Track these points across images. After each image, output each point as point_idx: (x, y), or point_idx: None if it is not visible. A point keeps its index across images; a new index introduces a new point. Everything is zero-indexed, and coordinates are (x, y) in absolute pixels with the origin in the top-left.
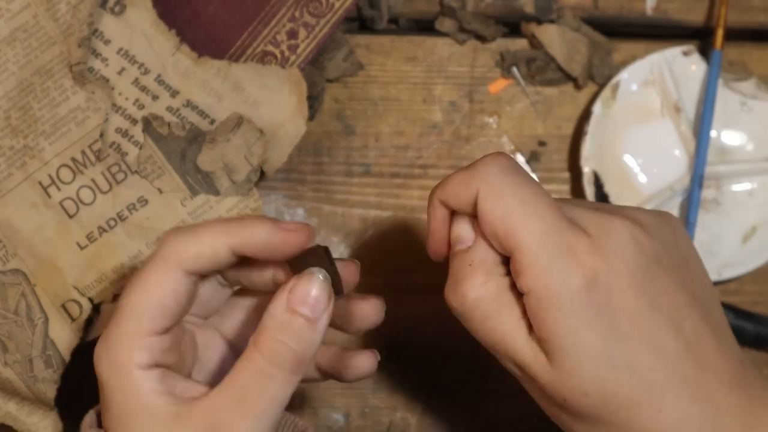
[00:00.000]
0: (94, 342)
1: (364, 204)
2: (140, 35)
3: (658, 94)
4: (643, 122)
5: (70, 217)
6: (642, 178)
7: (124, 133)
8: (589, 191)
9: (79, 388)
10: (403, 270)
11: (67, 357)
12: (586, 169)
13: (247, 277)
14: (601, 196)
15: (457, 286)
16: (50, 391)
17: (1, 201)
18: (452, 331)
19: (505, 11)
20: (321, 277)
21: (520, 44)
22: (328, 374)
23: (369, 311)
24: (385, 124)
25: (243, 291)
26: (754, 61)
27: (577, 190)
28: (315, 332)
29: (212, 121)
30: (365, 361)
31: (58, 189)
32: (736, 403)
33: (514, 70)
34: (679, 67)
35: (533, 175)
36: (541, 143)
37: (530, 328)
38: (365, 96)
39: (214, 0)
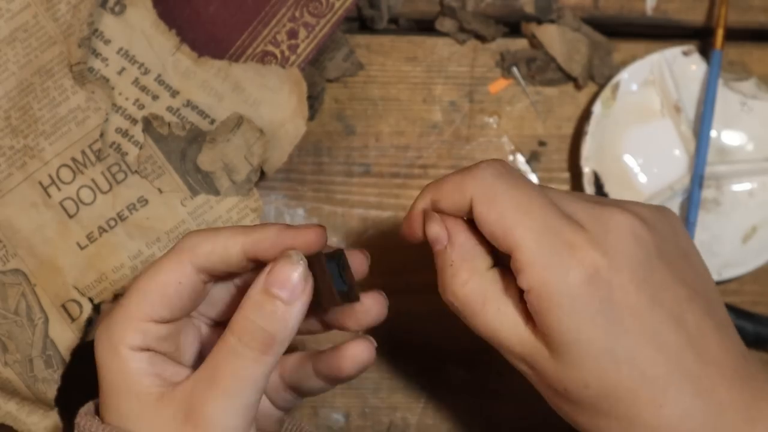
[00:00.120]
0: (94, 342)
1: (364, 204)
2: (140, 35)
3: (658, 94)
4: (643, 122)
5: (70, 217)
6: (642, 178)
7: (124, 133)
8: (589, 191)
9: (79, 388)
10: (403, 270)
11: (67, 357)
12: (586, 169)
13: None
14: (601, 196)
15: (445, 286)
16: (50, 391)
17: (1, 201)
18: (452, 331)
19: (505, 11)
20: (298, 260)
21: (520, 44)
22: (328, 378)
23: (370, 306)
24: (385, 124)
25: None
26: (754, 61)
27: (577, 190)
28: (288, 314)
29: (212, 121)
30: (361, 349)
31: (58, 189)
32: (738, 397)
33: (514, 70)
34: (679, 67)
35: (533, 176)
36: (541, 143)
37: (527, 318)
38: (365, 96)
39: (214, 0)
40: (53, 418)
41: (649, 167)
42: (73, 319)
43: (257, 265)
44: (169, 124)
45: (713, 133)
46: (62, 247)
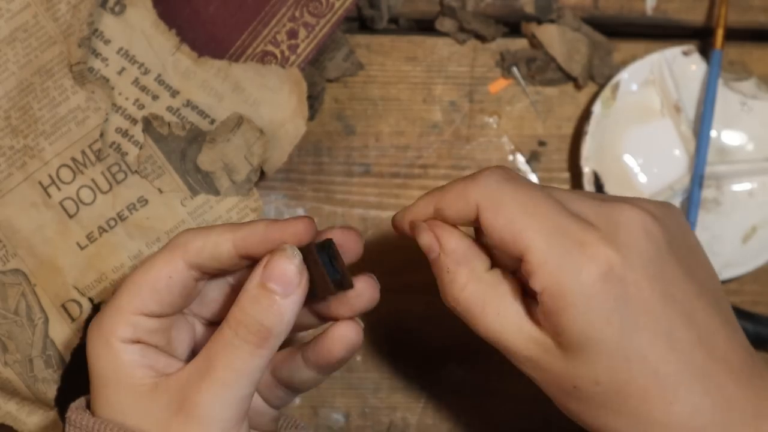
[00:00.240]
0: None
1: (364, 204)
2: (140, 35)
3: (658, 94)
4: (643, 122)
5: (70, 217)
6: (642, 178)
7: (124, 133)
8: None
9: (79, 388)
10: (403, 270)
11: (67, 357)
12: (586, 169)
13: None
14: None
15: (445, 292)
16: (50, 391)
17: (1, 201)
18: (452, 331)
19: (505, 11)
20: (293, 254)
21: (520, 44)
22: (319, 365)
23: (362, 290)
24: (385, 124)
25: None
26: (754, 61)
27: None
28: (285, 308)
29: (212, 121)
30: (348, 329)
31: (58, 189)
32: (746, 393)
33: (514, 70)
34: (679, 67)
35: (533, 176)
36: (541, 143)
37: (531, 318)
38: (365, 96)
39: (214, 0)
40: (53, 418)
41: (649, 167)
42: (73, 319)
43: (251, 263)
44: (169, 124)
45: (713, 133)
46: (62, 247)
